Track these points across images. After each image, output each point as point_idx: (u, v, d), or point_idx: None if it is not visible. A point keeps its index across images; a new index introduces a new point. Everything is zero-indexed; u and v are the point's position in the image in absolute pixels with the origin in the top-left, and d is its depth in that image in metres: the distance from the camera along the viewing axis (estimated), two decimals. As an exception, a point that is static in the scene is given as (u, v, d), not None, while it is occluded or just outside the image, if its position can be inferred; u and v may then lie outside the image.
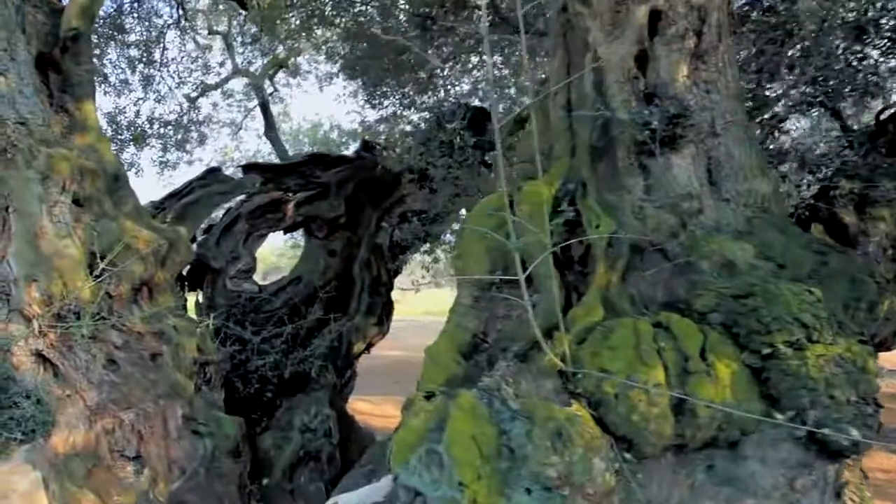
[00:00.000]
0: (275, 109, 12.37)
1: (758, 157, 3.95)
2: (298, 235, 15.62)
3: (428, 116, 7.34)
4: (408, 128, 7.87)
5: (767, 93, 4.80)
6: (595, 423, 3.03)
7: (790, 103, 4.74)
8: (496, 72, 10.23)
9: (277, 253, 29.42)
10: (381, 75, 7.65)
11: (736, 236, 3.60)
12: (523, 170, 4.48)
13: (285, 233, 10.96)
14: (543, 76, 7.82)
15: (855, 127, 5.49)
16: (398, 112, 8.11)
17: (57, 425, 4.20)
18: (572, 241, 3.37)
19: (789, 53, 4.79)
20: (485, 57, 3.30)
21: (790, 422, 2.99)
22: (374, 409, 11.46)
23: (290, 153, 12.15)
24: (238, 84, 12.98)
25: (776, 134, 5.01)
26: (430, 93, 7.79)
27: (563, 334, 3.17)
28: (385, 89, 7.96)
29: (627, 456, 3.08)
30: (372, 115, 8.55)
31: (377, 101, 8.15)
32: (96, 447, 4.44)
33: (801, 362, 3.06)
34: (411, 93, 7.90)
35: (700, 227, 3.64)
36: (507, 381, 3.21)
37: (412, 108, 7.96)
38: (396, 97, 7.93)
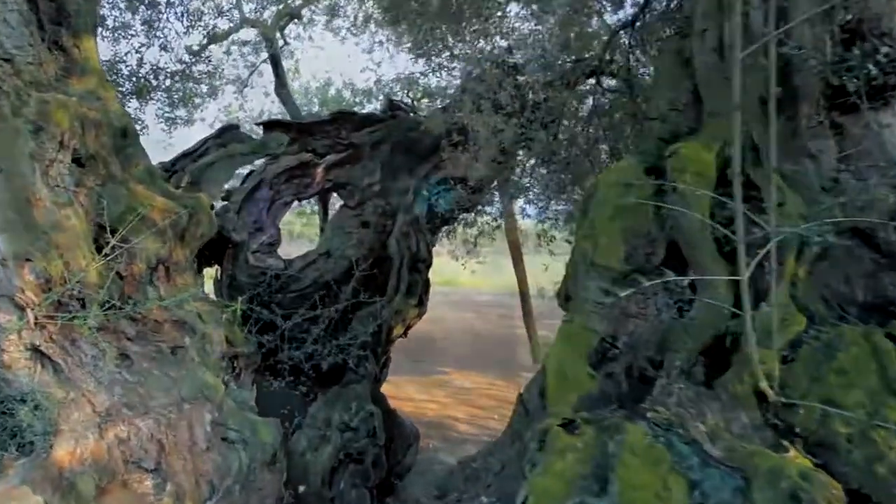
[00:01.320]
0: (284, 65, 11.21)
1: None
2: (307, 203, 14.63)
3: (488, 66, 6.36)
4: (455, 81, 6.90)
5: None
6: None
7: None
8: (532, 26, 9.16)
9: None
10: (430, 20, 6.62)
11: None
12: (651, 130, 3.56)
13: (300, 200, 10.04)
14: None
15: None
16: (444, 63, 7.13)
17: (60, 435, 3.64)
18: (788, 230, 2.46)
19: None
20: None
21: None
22: (397, 391, 10.73)
23: (302, 113, 11.09)
24: (246, 36, 11.81)
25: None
26: (488, 40, 6.78)
27: (772, 351, 2.31)
28: (426, 37, 6.92)
29: (860, 518, 2.27)
30: (391, 74, 7.51)
31: (421, 51, 7.13)
32: (108, 460, 3.81)
33: None
34: (460, 42, 6.89)
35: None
36: (690, 412, 2.37)
37: (461, 60, 6.95)
38: (446, 46, 6.90)
